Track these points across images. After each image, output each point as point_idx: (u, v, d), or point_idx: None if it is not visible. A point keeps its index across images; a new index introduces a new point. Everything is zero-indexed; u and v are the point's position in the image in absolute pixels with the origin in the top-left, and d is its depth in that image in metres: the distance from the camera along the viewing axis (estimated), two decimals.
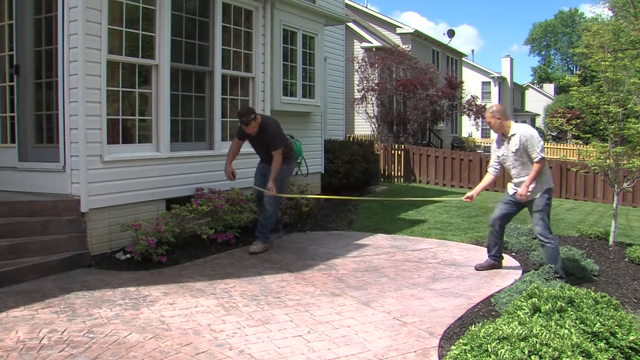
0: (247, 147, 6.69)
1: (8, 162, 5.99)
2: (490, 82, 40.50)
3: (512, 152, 5.24)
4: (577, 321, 3.18)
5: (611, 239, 6.92)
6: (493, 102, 39.32)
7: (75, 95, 5.37)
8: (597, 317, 3.20)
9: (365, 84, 18.19)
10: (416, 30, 23.82)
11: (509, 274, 5.46)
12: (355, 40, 20.40)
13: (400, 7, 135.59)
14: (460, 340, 3.04)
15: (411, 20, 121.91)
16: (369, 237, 7.21)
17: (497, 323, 3.13)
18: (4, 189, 5.92)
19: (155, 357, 3.27)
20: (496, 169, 5.50)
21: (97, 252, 5.56)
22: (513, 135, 5.22)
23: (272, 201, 6.23)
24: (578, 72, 51.45)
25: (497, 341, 2.82)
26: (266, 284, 4.95)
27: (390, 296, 4.68)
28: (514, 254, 6.35)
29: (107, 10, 5.57)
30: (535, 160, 5.12)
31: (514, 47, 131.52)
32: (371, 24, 23.66)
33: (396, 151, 15.29)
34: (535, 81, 63.93)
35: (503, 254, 6.38)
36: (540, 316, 3.28)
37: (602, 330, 3.09)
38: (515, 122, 5.43)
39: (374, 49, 20.01)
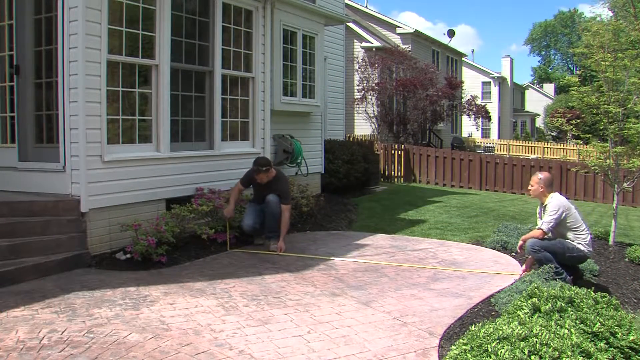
0: (247, 147, 6.67)
1: (8, 162, 5.98)
2: (490, 82, 40.53)
3: None
4: (577, 321, 3.18)
5: (611, 239, 6.92)
6: (493, 101, 39.37)
7: (75, 95, 5.37)
8: (597, 317, 3.20)
9: (365, 84, 18.19)
10: (416, 30, 23.83)
11: (509, 274, 5.46)
12: (355, 40, 20.41)
13: (399, 7, 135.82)
14: (460, 340, 3.04)
15: (409, 21, 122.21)
16: (369, 237, 7.21)
17: (497, 323, 3.14)
18: (4, 189, 5.91)
19: (155, 357, 3.27)
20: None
21: (97, 252, 5.56)
22: (546, 205, 5.25)
23: (274, 204, 6.28)
24: (578, 72, 51.48)
25: (497, 341, 2.82)
26: (266, 284, 4.95)
27: (390, 296, 4.68)
28: (514, 254, 6.35)
29: (107, 10, 5.56)
30: (537, 227, 5.22)
31: (513, 47, 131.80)
32: (371, 24, 23.66)
33: (396, 151, 15.29)
34: (535, 81, 63.94)
35: (503, 254, 6.39)
36: (540, 316, 3.28)
37: (602, 330, 3.09)
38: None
39: (374, 49, 20.02)
